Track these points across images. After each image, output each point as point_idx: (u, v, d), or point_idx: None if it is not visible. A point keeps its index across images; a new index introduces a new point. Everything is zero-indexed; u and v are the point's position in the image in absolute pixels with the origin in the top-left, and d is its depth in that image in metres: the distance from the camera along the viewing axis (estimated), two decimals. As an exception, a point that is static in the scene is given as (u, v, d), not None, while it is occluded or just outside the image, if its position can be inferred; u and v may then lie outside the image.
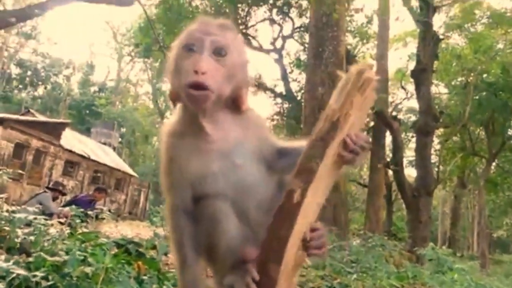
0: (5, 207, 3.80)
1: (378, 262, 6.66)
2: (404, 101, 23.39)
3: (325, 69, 11.09)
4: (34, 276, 2.30)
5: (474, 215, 30.69)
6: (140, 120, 43.05)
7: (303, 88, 19.65)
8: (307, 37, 17.97)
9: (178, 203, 1.40)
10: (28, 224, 3.52)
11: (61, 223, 4.19)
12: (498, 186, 22.80)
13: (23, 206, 4.41)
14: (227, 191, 1.35)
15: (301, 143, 1.36)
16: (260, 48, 24.42)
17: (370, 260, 6.62)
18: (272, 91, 26.12)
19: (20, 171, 13.42)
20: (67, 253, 2.68)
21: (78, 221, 4.41)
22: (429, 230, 14.29)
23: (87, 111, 43.52)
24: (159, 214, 5.67)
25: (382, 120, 14.08)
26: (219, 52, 1.32)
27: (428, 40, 13.84)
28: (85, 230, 4.08)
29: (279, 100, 25.04)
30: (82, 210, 4.75)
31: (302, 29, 22.82)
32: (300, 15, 22.53)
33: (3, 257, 2.67)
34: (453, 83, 19.37)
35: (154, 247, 3.91)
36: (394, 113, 17.95)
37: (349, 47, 17.21)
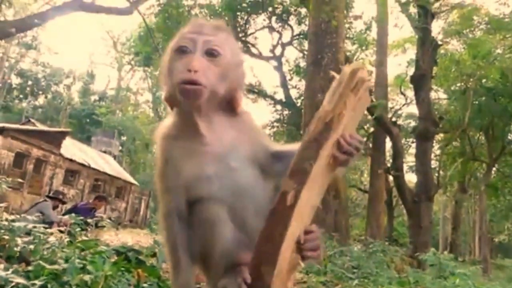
0: (5, 216, 3.80)
1: (380, 267, 6.65)
2: (404, 107, 23.42)
3: (324, 75, 11.11)
4: (33, 284, 2.29)
5: (475, 220, 30.61)
6: (141, 129, 43.04)
7: (302, 94, 19.71)
8: (306, 44, 18.02)
9: (172, 206, 1.38)
10: (28, 233, 3.51)
11: (61, 232, 4.19)
12: (499, 191, 22.75)
13: (22, 215, 4.40)
14: (222, 194, 1.33)
15: (296, 147, 1.34)
16: (259, 56, 24.52)
17: (372, 265, 6.60)
18: (272, 98, 26.19)
19: (20, 180, 13.41)
20: (66, 261, 2.67)
21: (78, 229, 4.40)
22: (430, 235, 14.24)
23: (88, 120, 43.55)
24: (159, 222, 5.65)
25: (382, 126, 14.09)
26: (211, 53, 1.33)
27: (427, 46, 13.87)
28: (84, 238, 4.07)
29: (279, 107, 25.11)
30: (81, 218, 4.74)
31: (301, 36, 22.94)
32: (299, 23, 22.67)
33: (2, 266, 2.66)
34: (452, 88, 19.39)
35: (154, 255, 3.90)
36: (394, 119, 17.95)
37: (348, 53, 17.24)
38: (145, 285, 2.96)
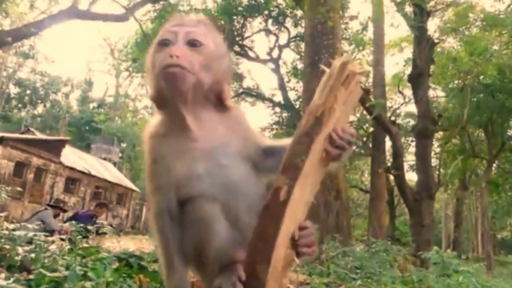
0: (5, 225, 3.79)
1: (382, 267, 6.63)
2: (402, 106, 23.43)
3: (322, 77, 11.11)
4: (35, 293, 2.29)
5: (477, 217, 30.59)
6: (140, 135, 42.94)
7: (301, 96, 19.75)
8: (303, 46, 18.04)
9: (163, 206, 1.36)
10: (29, 242, 3.51)
11: (62, 239, 4.18)
12: (500, 187, 22.70)
13: (22, 224, 4.39)
14: (214, 192, 1.31)
15: (288, 142, 1.33)
16: (257, 59, 24.56)
17: (374, 265, 6.59)
18: (271, 100, 26.23)
19: (20, 189, 13.40)
20: (67, 268, 2.66)
21: (79, 236, 4.39)
22: (433, 234, 14.23)
23: (87, 128, 43.58)
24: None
25: (381, 125, 14.08)
26: (193, 43, 1.32)
27: (424, 44, 13.89)
28: (85, 245, 4.06)
29: (277, 109, 25.14)
30: (82, 225, 4.73)
31: (298, 38, 23.00)
32: (296, 25, 22.72)
33: (3, 275, 2.66)
34: (450, 86, 19.36)
35: (156, 260, 3.89)
36: (392, 118, 17.96)
37: (345, 54, 17.26)
38: (147, 290, 2.95)
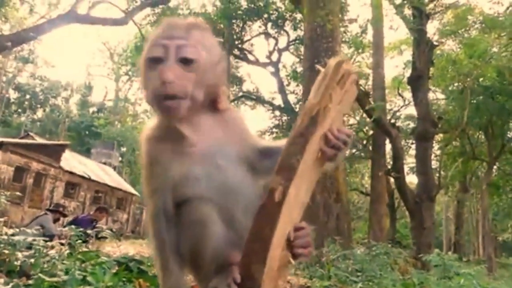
0: (4, 230, 3.78)
1: (383, 270, 6.62)
2: (402, 108, 23.44)
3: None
4: (34, 298, 2.28)
5: (478, 219, 30.51)
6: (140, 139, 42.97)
7: (300, 100, 19.75)
8: (302, 50, 18.07)
9: (159, 208, 1.35)
10: (29, 247, 3.50)
11: (62, 244, 4.16)
12: (501, 189, 22.67)
13: (22, 229, 4.38)
14: (210, 193, 1.30)
15: (284, 142, 1.31)
16: (256, 62, 24.61)
17: (375, 268, 6.58)
18: (270, 104, 26.26)
19: (20, 194, 13.38)
20: (66, 273, 2.65)
21: (78, 241, 4.37)
22: (434, 236, 14.20)
23: (87, 132, 43.58)
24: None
25: (381, 128, 14.08)
26: (185, 62, 1.29)
27: (423, 47, 13.89)
28: (85, 249, 4.05)
29: (277, 112, 25.18)
30: (81, 229, 4.72)
31: (297, 41, 23.04)
32: (295, 28, 22.77)
33: (2, 280, 2.65)
34: (450, 88, 19.37)
35: (156, 265, 3.86)
36: (392, 121, 17.96)
37: (344, 56, 17.25)
38: (147, 294, 2.94)
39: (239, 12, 21.57)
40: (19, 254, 3.31)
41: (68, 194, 22.88)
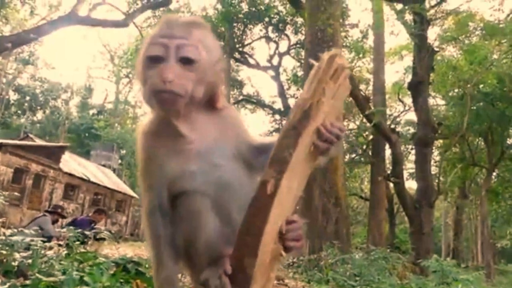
0: (2, 231, 3.77)
1: (381, 275, 6.61)
2: (402, 113, 23.48)
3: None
4: (31, 298, 2.27)
5: (477, 225, 30.52)
6: (140, 141, 42.89)
7: (300, 104, 19.74)
8: (303, 54, 18.09)
9: (155, 203, 1.36)
10: (27, 248, 3.49)
11: (60, 245, 4.15)
12: (500, 196, 22.67)
13: (20, 229, 4.37)
14: (206, 188, 1.31)
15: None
16: (257, 66, 24.65)
17: (373, 273, 6.57)
18: (271, 107, 26.30)
19: (18, 194, 13.34)
20: (64, 273, 2.64)
21: (77, 242, 4.37)
22: (432, 242, 14.19)
23: (86, 134, 43.54)
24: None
25: (381, 133, 14.09)
26: (185, 62, 1.28)
27: (424, 53, 13.93)
28: (82, 250, 4.04)
29: (277, 116, 25.22)
30: (79, 231, 4.70)
31: (298, 45, 23.07)
32: (296, 32, 22.81)
33: (0, 280, 2.64)
34: (450, 94, 19.42)
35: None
36: (392, 126, 17.98)
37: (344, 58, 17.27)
38: (144, 296, 2.92)
39: (240, 15, 21.62)
40: (17, 255, 3.30)
41: (67, 196, 22.82)
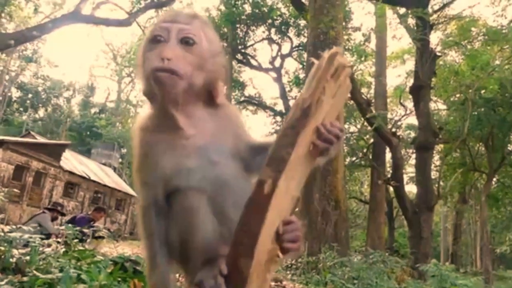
0: (1, 227, 3.78)
1: (380, 278, 6.60)
2: (404, 117, 23.46)
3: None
4: (27, 294, 2.27)
5: (476, 230, 30.52)
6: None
7: (302, 106, 19.74)
8: (305, 56, 18.10)
9: (150, 200, 1.32)
10: (26, 244, 3.49)
11: (58, 242, 4.16)
12: (500, 202, 22.66)
13: (19, 226, 4.37)
14: (202, 185, 1.28)
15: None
16: (259, 67, 24.64)
17: (372, 276, 6.55)
18: (272, 109, 26.28)
19: (18, 191, 13.34)
20: (61, 271, 2.64)
21: (75, 240, 4.36)
22: (431, 246, 14.17)
23: (88, 133, 43.61)
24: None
25: (382, 136, 14.09)
26: (186, 42, 1.29)
27: (426, 57, 13.92)
28: (81, 248, 4.04)
29: (279, 118, 25.17)
30: (78, 228, 4.70)
31: (300, 48, 23.06)
32: (298, 34, 22.82)
33: (-3, 276, 2.64)
34: (451, 99, 19.43)
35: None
36: (393, 130, 17.97)
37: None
38: (141, 295, 2.92)
39: (243, 17, 21.63)
40: (15, 251, 3.30)
41: (67, 194, 22.86)
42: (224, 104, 1.42)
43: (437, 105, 22.14)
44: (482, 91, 17.82)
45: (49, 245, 3.76)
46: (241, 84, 26.15)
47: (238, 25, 21.97)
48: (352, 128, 21.80)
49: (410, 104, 19.59)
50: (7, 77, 40.07)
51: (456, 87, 18.02)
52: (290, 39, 23.30)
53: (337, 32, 11.48)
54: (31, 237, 3.40)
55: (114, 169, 33.62)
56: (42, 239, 3.76)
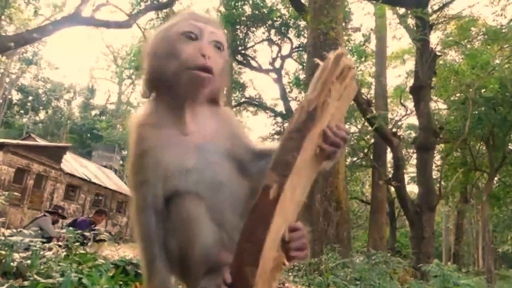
0: (2, 230, 3.77)
1: (382, 279, 6.58)
2: (404, 117, 23.44)
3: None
4: (29, 299, 2.26)
5: (478, 230, 30.47)
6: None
7: (302, 106, 19.73)
8: (305, 57, 18.10)
9: (148, 202, 1.28)
10: (27, 248, 3.48)
11: (59, 246, 4.14)
12: (501, 201, 22.62)
13: (19, 229, 4.36)
14: (200, 188, 1.26)
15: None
16: (259, 68, 24.65)
17: (374, 277, 6.54)
18: (272, 110, 26.30)
19: (18, 194, 13.33)
20: (62, 275, 2.63)
21: (76, 243, 4.35)
22: (433, 246, 14.14)
23: (88, 135, 43.65)
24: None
25: (382, 137, 14.06)
26: (217, 46, 1.32)
27: (426, 57, 13.90)
28: (82, 252, 4.03)
29: (279, 119, 25.20)
30: (79, 232, 4.69)
31: (300, 48, 23.07)
32: (298, 35, 22.83)
33: (-2, 281, 2.63)
34: (452, 98, 19.42)
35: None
36: (394, 130, 17.95)
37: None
38: (143, 298, 2.91)
39: (243, 18, 21.64)
40: (16, 255, 3.29)
41: (68, 196, 22.84)
42: (223, 106, 1.43)
43: (438, 105, 22.14)
44: (483, 90, 17.81)
45: (50, 249, 3.75)
46: (241, 85, 26.17)
47: (238, 27, 21.98)
48: (353, 129, 21.78)
49: (410, 104, 19.58)
50: (7, 79, 40.09)
51: (456, 86, 18.01)
52: (290, 40, 23.31)
53: (337, 32, 11.48)
54: (32, 241, 3.39)
55: (115, 171, 33.65)
56: (43, 242, 3.75)
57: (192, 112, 1.33)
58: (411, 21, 15.54)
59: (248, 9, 21.68)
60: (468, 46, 17.84)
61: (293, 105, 23.97)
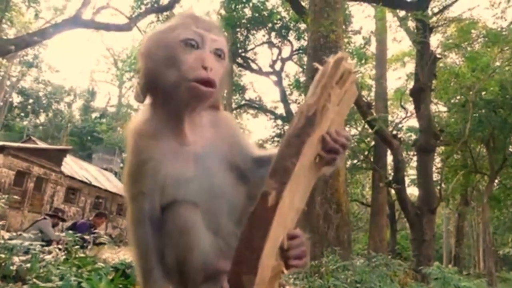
0: (2, 233, 3.76)
1: (383, 281, 6.56)
2: (404, 120, 23.43)
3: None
4: (28, 303, 2.25)
5: (478, 232, 30.41)
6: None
7: (303, 109, 19.73)
8: (305, 59, 18.11)
9: (145, 212, 1.25)
10: (27, 251, 3.47)
11: (59, 249, 4.14)
12: (502, 203, 22.59)
13: (18, 233, 4.36)
14: (198, 197, 1.24)
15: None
16: (259, 71, 24.67)
17: (375, 280, 6.52)
18: (273, 113, 26.30)
19: (18, 197, 13.32)
20: (61, 278, 2.62)
21: (76, 246, 4.35)
22: (434, 249, 14.11)
23: (89, 137, 43.65)
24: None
25: (383, 139, 14.06)
26: (219, 54, 1.28)
27: (426, 59, 13.90)
28: (81, 255, 4.02)
29: (279, 122, 25.20)
30: (79, 235, 4.68)
31: (300, 51, 23.09)
32: (299, 38, 22.85)
33: (-3, 284, 2.62)
34: (452, 101, 19.42)
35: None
36: (394, 132, 17.94)
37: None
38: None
39: (243, 21, 21.66)
40: (16, 259, 3.28)
41: (68, 199, 22.84)
42: (222, 113, 1.40)
43: (438, 107, 22.14)
44: (483, 93, 17.80)
45: (49, 252, 3.75)
46: (241, 88, 26.17)
47: (238, 29, 22.00)
48: (353, 131, 21.77)
49: (410, 107, 19.59)
50: (8, 82, 40.13)
51: (456, 89, 18.01)
52: (290, 42, 23.33)
53: (337, 35, 11.47)
54: (31, 244, 3.38)
55: (115, 174, 33.62)
56: (43, 245, 3.74)
57: (190, 121, 1.30)
58: (411, 24, 15.55)
59: (248, 12, 21.70)
60: (469, 48, 17.85)
61: (293, 107, 23.98)
